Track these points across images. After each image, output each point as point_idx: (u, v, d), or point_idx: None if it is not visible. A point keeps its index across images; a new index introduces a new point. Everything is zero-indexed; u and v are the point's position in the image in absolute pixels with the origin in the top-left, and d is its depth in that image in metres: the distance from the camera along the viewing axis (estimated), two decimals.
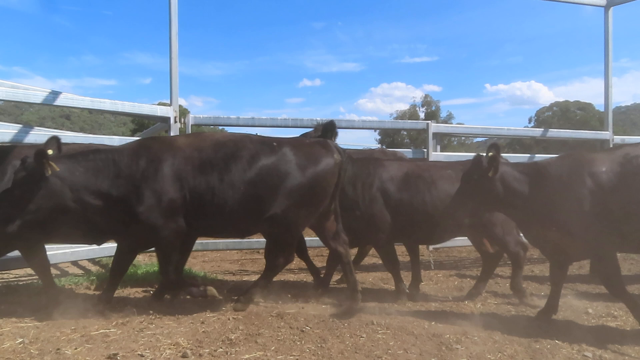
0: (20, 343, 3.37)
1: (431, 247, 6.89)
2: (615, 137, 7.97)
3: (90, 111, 6.75)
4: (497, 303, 4.72)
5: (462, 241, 7.03)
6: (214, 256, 7.95)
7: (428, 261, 6.88)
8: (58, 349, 3.26)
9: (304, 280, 5.84)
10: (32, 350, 3.24)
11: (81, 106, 5.67)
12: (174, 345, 3.36)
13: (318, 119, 6.56)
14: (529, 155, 7.65)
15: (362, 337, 3.60)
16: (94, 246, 5.68)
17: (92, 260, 6.67)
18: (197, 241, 6.20)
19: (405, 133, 59.78)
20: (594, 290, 5.27)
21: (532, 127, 59.73)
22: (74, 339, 3.48)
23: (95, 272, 5.73)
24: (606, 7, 7.90)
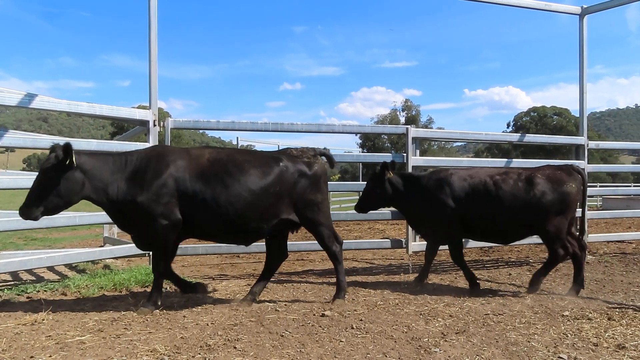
0: None
1: (411, 251, 6.93)
2: (589, 142, 8.12)
3: (68, 114, 6.67)
4: (475, 305, 4.77)
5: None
6: (193, 261, 7.89)
7: (407, 265, 6.93)
8: (32, 357, 3.20)
9: (284, 284, 5.82)
10: (5, 359, 3.17)
11: (58, 109, 5.57)
12: (151, 351, 3.32)
13: (298, 123, 6.57)
14: (506, 160, 7.76)
15: (341, 341, 3.61)
16: (71, 251, 5.62)
17: (69, 266, 6.57)
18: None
19: (386, 137, 60.12)
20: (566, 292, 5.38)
21: (510, 131, 60.73)
22: (49, 346, 3.42)
23: (72, 278, 5.63)
24: (581, 16, 8.07)
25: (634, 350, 3.47)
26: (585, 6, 8.10)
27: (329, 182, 5.18)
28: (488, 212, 5.41)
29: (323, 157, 5.06)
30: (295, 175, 4.67)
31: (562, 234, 5.40)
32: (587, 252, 5.51)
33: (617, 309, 4.63)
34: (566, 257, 5.45)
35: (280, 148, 5.32)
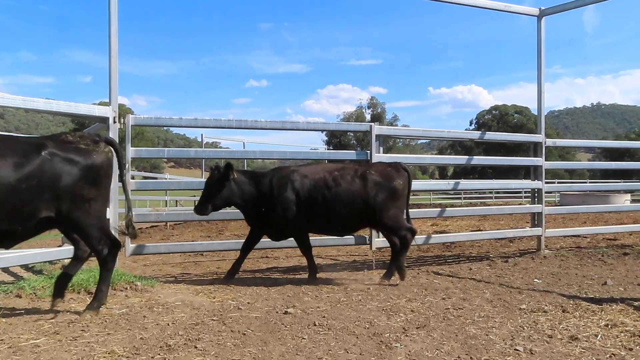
0: None
1: (374, 247, 6.99)
2: (547, 140, 8.35)
3: (25, 110, 6.40)
4: (436, 300, 4.85)
5: None
6: (155, 260, 7.76)
7: (371, 261, 7.00)
8: None
9: (248, 282, 5.79)
10: None
11: (12, 105, 5.36)
12: (109, 353, 3.25)
13: (262, 120, 6.54)
14: (467, 157, 7.91)
15: (303, 338, 3.61)
16: (27, 251, 5.45)
17: (25, 267, 6.37)
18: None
19: (351, 135, 60.46)
20: (527, 286, 5.54)
21: (472, 129, 61.96)
22: (1, 350, 3.30)
23: (27, 279, 5.45)
24: (539, 17, 8.28)
25: (586, 341, 3.59)
26: (543, 8, 8.32)
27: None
28: (326, 207, 5.67)
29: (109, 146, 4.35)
30: (61, 166, 3.98)
31: (401, 221, 5.82)
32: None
33: (571, 302, 4.80)
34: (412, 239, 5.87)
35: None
